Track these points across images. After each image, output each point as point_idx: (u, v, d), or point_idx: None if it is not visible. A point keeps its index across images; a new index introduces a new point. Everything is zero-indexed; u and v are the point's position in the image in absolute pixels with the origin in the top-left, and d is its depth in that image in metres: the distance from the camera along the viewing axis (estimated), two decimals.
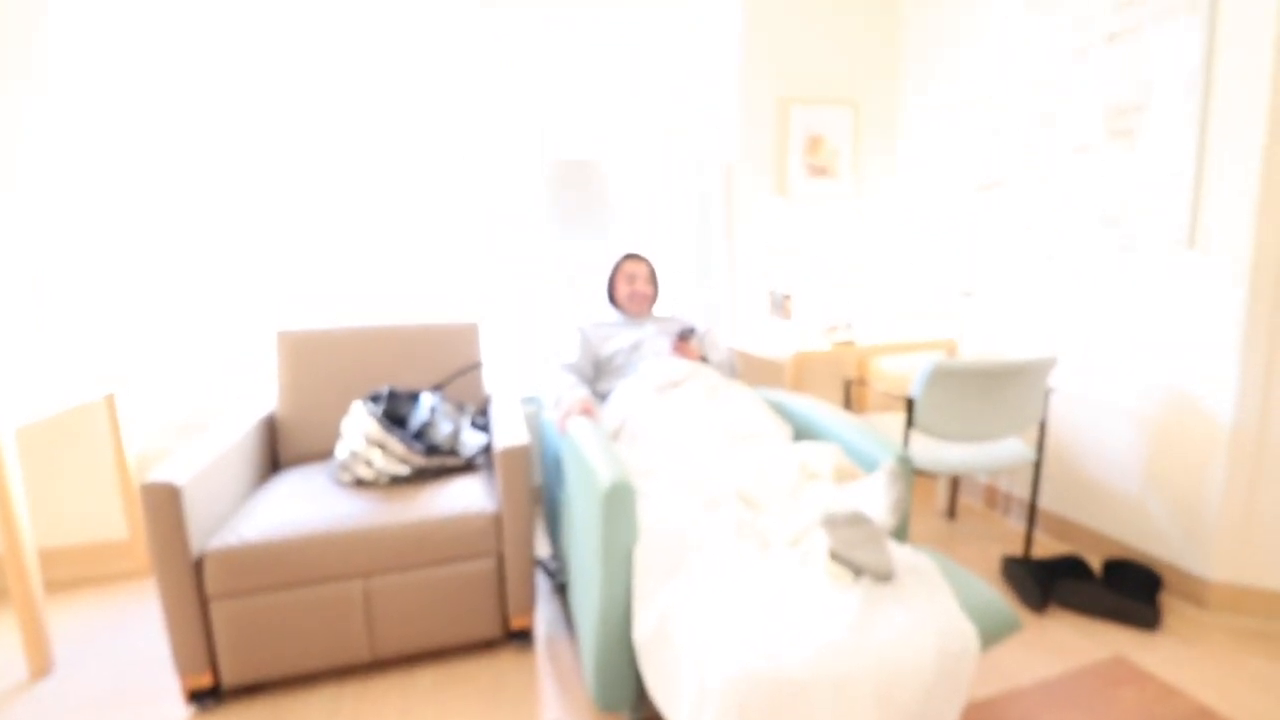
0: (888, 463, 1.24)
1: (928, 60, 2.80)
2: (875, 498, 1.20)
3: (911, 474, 1.46)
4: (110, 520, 2.27)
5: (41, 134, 2.06)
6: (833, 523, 1.13)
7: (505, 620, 1.78)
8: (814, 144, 2.93)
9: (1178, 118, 1.88)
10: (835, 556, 1.18)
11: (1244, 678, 1.66)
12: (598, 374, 2.16)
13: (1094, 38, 2.10)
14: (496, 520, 1.73)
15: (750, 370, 2.94)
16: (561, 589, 2.12)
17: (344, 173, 2.37)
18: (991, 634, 1.16)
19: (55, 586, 2.20)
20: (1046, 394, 2.02)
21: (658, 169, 2.81)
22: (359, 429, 1.83)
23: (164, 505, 1.48)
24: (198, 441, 1.76)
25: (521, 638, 1.81)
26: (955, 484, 2.58)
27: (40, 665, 1.74)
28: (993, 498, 2.65)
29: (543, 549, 2.40)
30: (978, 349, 2.64)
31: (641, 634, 1.25)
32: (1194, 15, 1.83)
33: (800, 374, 2.35)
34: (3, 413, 1.67)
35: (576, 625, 1.61)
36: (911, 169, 2.92)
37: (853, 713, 0.99)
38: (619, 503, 1.31)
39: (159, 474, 1.51)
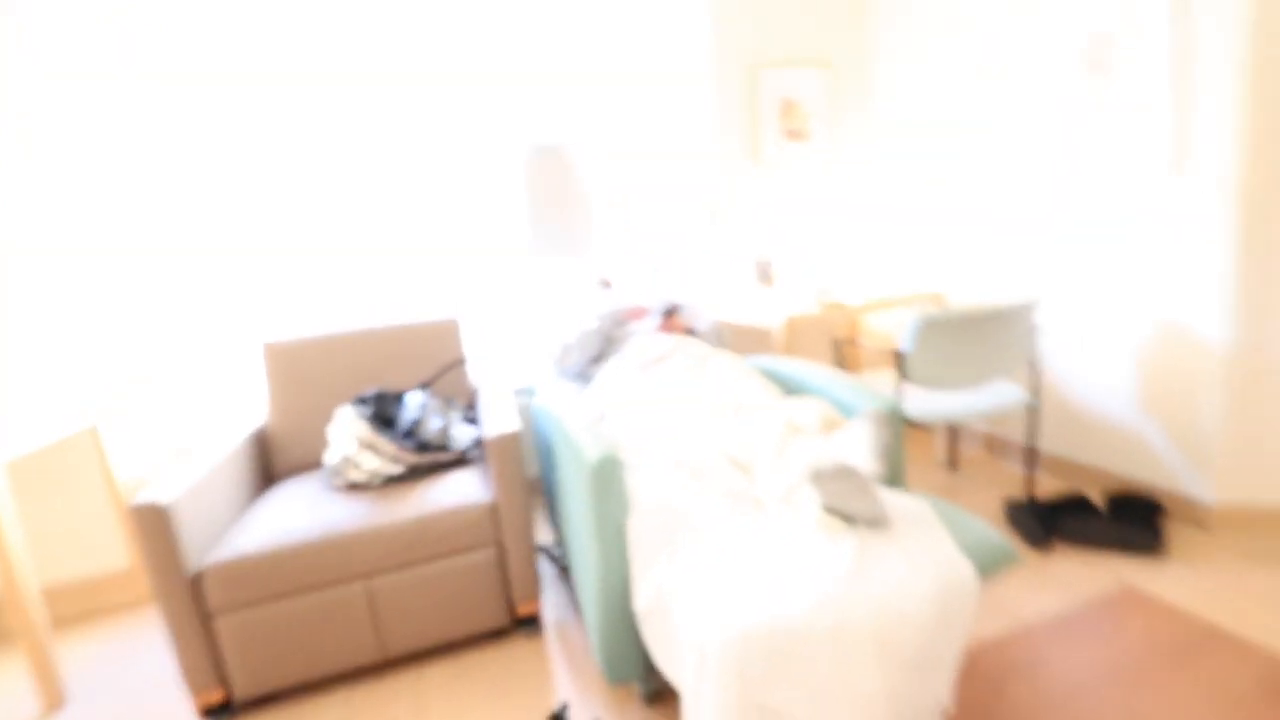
0: (868, 408, 1.23)
1: (896, 9, 2.76)
2: (859, 445, 1.19)
3: (900, 419, 1.45)
4: (110, 551, 2.26)
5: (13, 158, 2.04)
6: (820, 476, 1.12)
7: (512, 608, 1.78)
8: (788, 108, 2.90)
9: (1157, 44, 1.85)
10: (827, 509, 1.18)
11: (1249, 594, 1.66)
12: (606, 353, 2.13)
13: None
14: (493, 509, 1.72)
15: (741, 340, 2.92)
16: (567, 572, 2.12)
17: (313, 181, 2.34)
18: (990, 568, 1.16)
19: (62, 622, 2.19)
20: (1033, 335, 2.00)
21: (632, 147, 2.78)
22: (348, 432, 1.82)
23: (154, 526, 1.47)
24: (185, 461, 1.74)
25: (530, 624, 1.80)
26: (954, 435, 2.58)
27: (53, 700, 1.73)
28: (994, 445, 2.65)
29: (548, 538, 2.39)
30: (967, 298, 2.63)
31: (641, 605, 1.25)
32: None
33: (792, 339, 2.34)
34: None
35: (581, 605, 1.60)
36: (888, 124, 2.89)
37: (853, 659, 0.98)
38: (607, 476, 1.30)
39: (146, 496, 1.50)
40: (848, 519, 1.17)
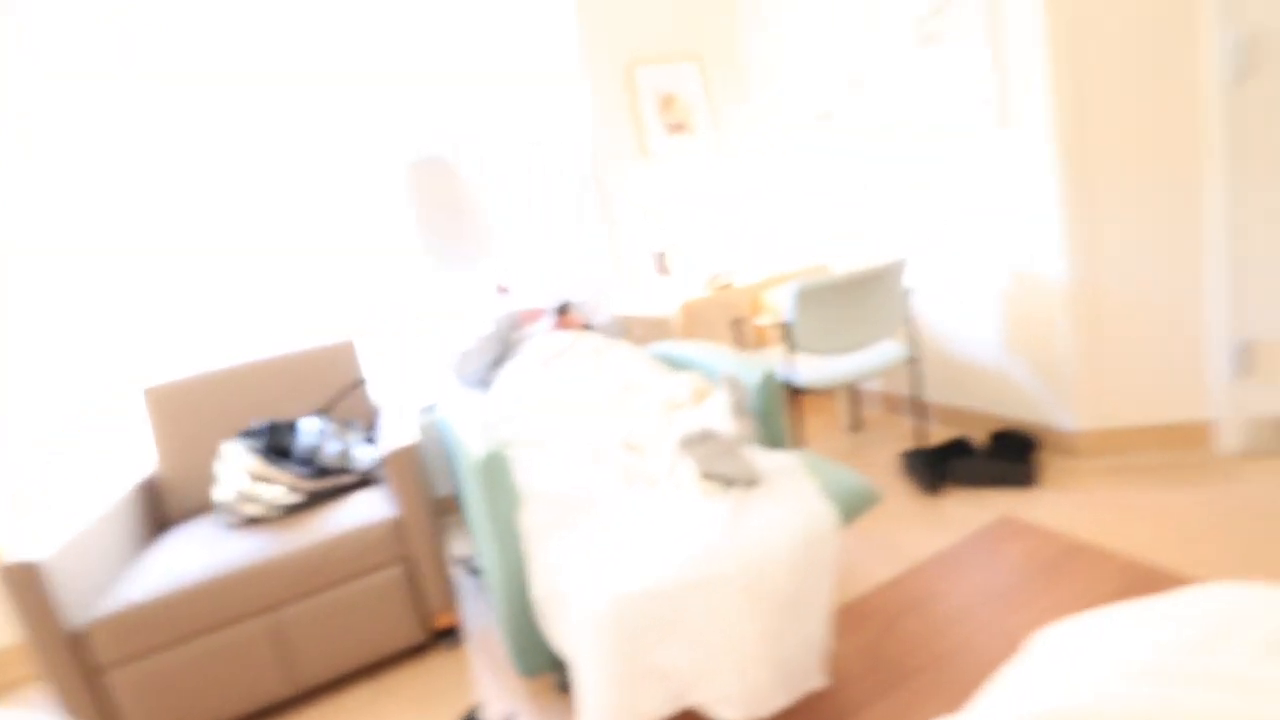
0: (724, 373, 1.30)
1: (761, 3, 2.89)
2: (719, 410, 1.26)
3: (773, 382, 1.52)
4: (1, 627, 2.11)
5: None
6: (688, 443, 1.18)
7: (428, 622, 1.76)
8: (667, 102, 2.98)
9: (974, 14, 2.03)
10: (704, 474, 1.23)
11: (1112, 509, 1.82)
12: (505, 356, 2.14)
13: None
14: (397, 525, 1.71)
15: (645, 330, 2.98)
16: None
17: (188, 208, 2.25)
18: (855, 508, 1.24)
19: None
20: (905, 294, 2.14)
21: (519, 153, 2.79)
22: (238, 467, 1.77)
23: (27, 585, 1.40)
24: (63, 518, 1.66)
25: (449, 636, 1.80)
26: (854, 398, 2.71)
27: None
28: (891, 403, 2.79)
29: (468, 551, 2.38)
30: (848, 267, 2.77)
31: (538, 592, 1.27)
32: None
33: (691, 325, 2.41)
34: None
35: (493, 606, 1.61)
36: (762, 111, 3.02)
37: (725, 609, 1.04)
38: (495, 471, 1.32)
39: (16, 555, 1.42)
40: (726, 481, 1.23)
